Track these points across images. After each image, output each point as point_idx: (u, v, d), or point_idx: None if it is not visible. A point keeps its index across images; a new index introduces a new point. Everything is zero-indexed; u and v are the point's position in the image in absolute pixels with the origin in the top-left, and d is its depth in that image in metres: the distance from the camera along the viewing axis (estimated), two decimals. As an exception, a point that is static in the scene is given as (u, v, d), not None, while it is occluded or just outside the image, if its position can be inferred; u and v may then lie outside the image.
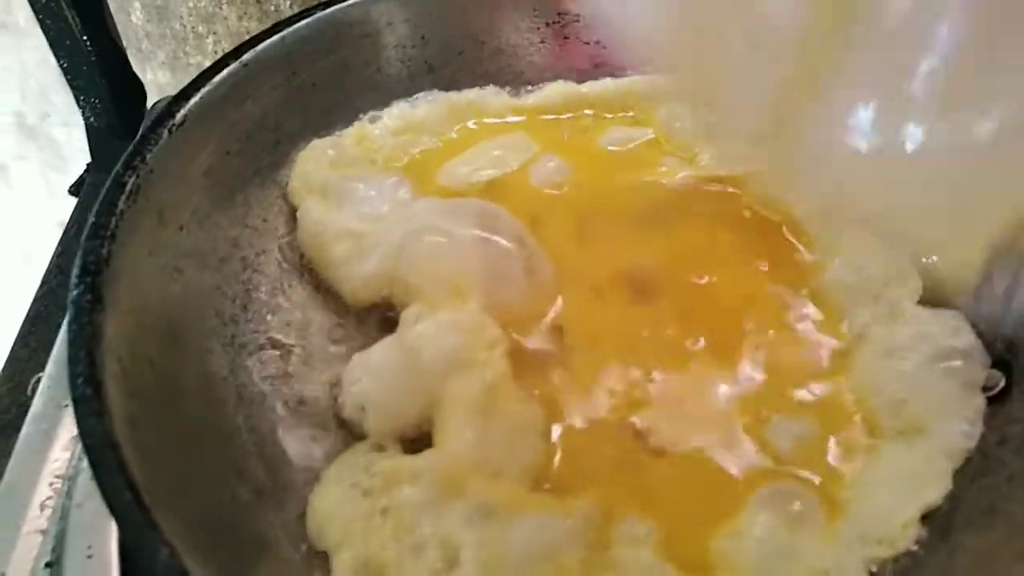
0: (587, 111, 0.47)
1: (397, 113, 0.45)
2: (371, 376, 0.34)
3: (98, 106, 0.61)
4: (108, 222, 0.33)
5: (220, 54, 0.47)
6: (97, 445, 0.28)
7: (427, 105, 0.46)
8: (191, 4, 0.80)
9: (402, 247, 0.37)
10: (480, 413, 0.32)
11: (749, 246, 0.40)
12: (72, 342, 0.30)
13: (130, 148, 0.35)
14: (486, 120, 0.46)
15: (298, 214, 0.41)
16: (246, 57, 0.41)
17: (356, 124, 0.45)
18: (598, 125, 0.46)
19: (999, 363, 0.35)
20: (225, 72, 0.40)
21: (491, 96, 0.47)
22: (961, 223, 0.22)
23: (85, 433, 0.28)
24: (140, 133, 0.36)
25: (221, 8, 0.79)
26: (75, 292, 0.31)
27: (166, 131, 0.37)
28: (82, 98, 0.61)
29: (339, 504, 0.31)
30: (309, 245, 0.40)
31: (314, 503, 0.32)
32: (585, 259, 0.40)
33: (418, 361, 0.33)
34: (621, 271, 0.39)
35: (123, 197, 0.34)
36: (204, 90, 0.39)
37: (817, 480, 0.33)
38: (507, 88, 0.48)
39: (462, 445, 0.31)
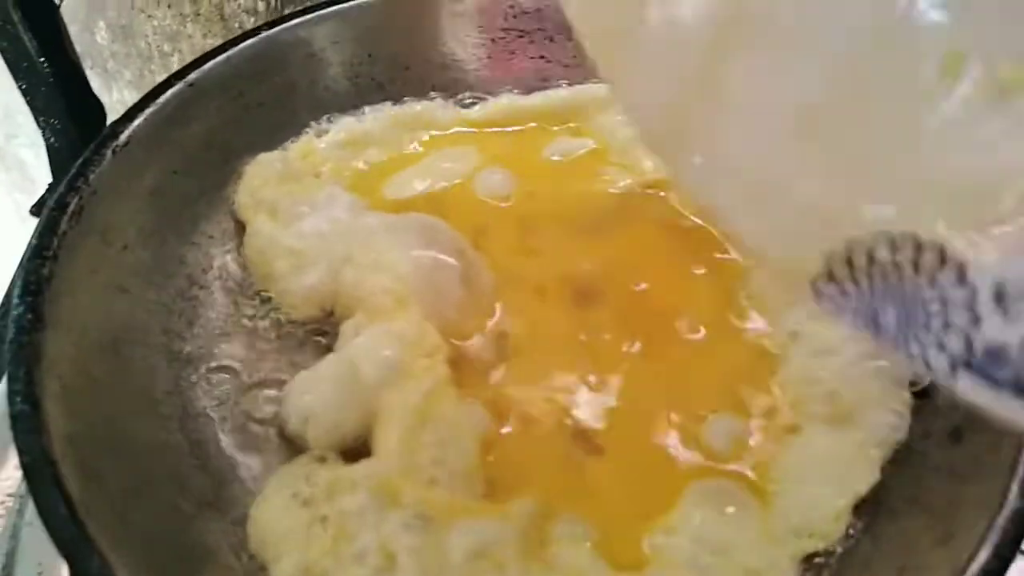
0: (532, 123, 0.48)
1: (344, 127, 0.46)
2: (314, 390, 0.34)
3: (58, 127, 0.61)
4: (50, 242, 0.34)
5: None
6: (34, 462, 0.28)
7: (374, 119, 0.46)
8: (155, 23, 0.80)
9: (344, 262, 0.38)
10: (415, 421, 0.33)
11: (686, 251, 0.41)
12: (11, 360, 0.30)
13: (73, 169, 0.36)
14: (433, 133, 0.47)
15: (247, 233, 0.41)
16: (191, 77, 0.42)
17: (303, 138, 0.45)
18: (543, 137, 0.47)
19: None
20: (170, 93, 0.41)
21: (438, 109, 0.47)
22: (807, 224, 0.23)
23: (22, 450, 0.28)
24: (84, 155, 0.37)
25: (185, 27, 0.80)
26: (16, 311, 0.32)
27: (110, 152, 0.37)
28: (42, 119, 0.62)
29: (279, 514, 0.32)
30: (254, 261, 0.40)
31: (255, 514, 0.32)
32: (528, 267, 0.41)
33: (358, 373, 0.34)
34: (563, 278, 0.40)
35: (65, 218, 0.35)
36: (148, 111, 0.40)
37: (750, 475, 0.34)
38: (454, 102, 0.48)
39: (397, 453, 0.32)
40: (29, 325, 0.31)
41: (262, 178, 0.42)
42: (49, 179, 0.65)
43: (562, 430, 0.35)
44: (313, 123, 0.46)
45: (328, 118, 0.46)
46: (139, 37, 0.82)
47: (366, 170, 0.45)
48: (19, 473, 0.39)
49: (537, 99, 0.48)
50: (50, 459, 0.28)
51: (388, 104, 0.47)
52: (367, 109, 0.47)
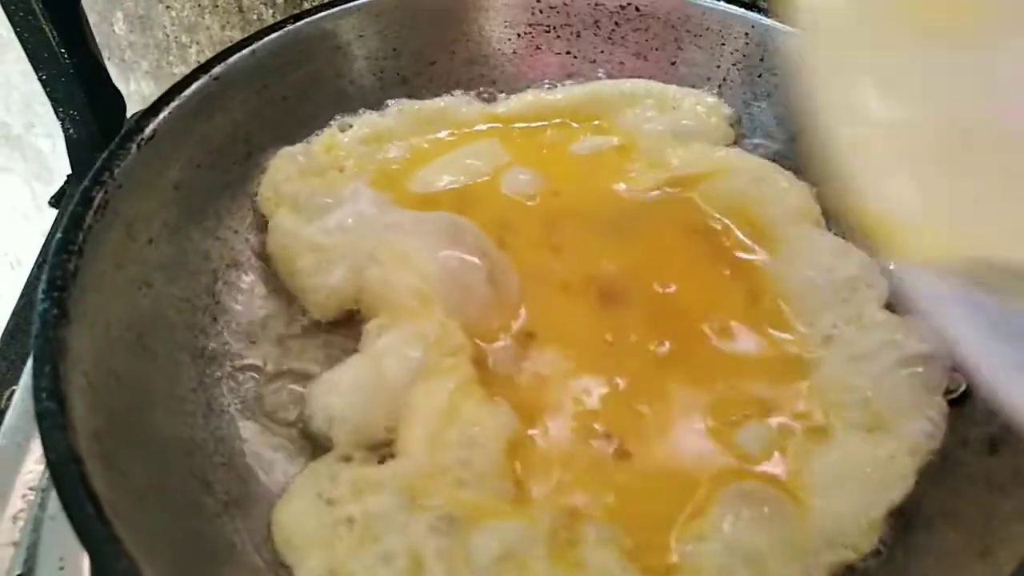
0: (557, 119, 0.47)
1: (367, 121, 0.45)
2: (338, 390, 0.34)
3: (77, 117, 0.62)
4: (75, 237, 0.33)
5: (203, 63, 0.47)
6: (60, 459, 0.28)
7: (398, 113, 0.46)
8: (173, 14, 0.80)
9: (369, 259, 0.37)
10: (441, 421, 0.32)
11: (711, 251, 0.40)
12: (37, 356, 0.30)
13: (98, 163, 0.36)
14: (457, 128, 0.46)
15: (269, 228, 0.41)
16: (216, 71, 0.41)
17: (326, 131, 0.45)
18: (569, 133, 0.47)
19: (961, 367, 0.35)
20: (195, 86, 0.40)
21: (462, 105, 0.47)
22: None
23: (48, 447, 0.28)
24: (109, 148, 0.37)
25: (203, 18, 0.80)
26: (41, 307, 0.31)
27: (135, 146, 0.37)
28: (61, 110, 0.62)
29: (304, 514, 0.31)
30: (278, 257, 0.40)
31: (280, 513, 0.32)
32: (553, 266, 0.40)
33: (383, 372, 0.34)
34: (588, 278, 0.40)
35: (91, 212, 0.34)
36: (173, 104, 0.39)
37: (782, 482, 0.34)
38: (479, 97, 0.48)
39: (423, 453, 0.32)
40: (54, 320, 0.31)
41: (285, 172, 0.42)
42: (67, 169, 0.65)
43: (589, 432, 0.35)
44: (337, 117, 0.45)
45: (352, 112, 0.46)
46: (157, 28, 0.82)
47: (390, 165, 0.44)
48: (40, 467, 0.39)
49: (563, 95, 0.48)
50: (76, 456, 0.28)
51: (412, 99, 0.47)
52: (391, 103, 0.46)
